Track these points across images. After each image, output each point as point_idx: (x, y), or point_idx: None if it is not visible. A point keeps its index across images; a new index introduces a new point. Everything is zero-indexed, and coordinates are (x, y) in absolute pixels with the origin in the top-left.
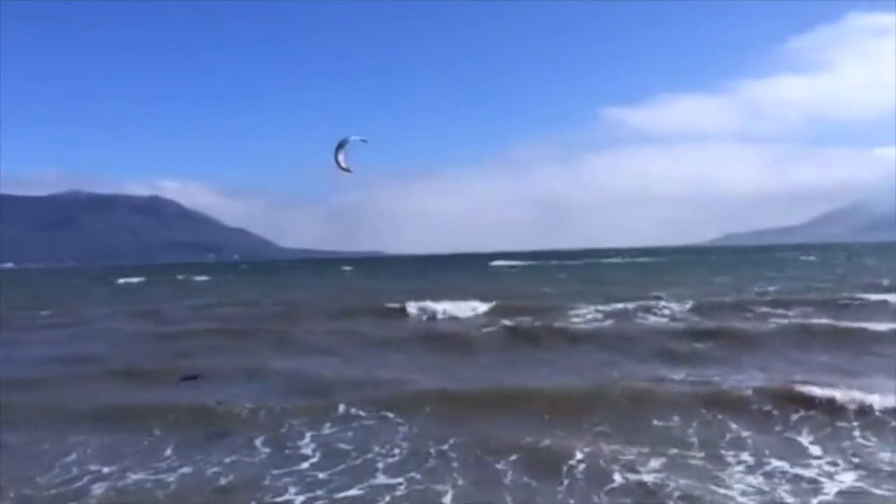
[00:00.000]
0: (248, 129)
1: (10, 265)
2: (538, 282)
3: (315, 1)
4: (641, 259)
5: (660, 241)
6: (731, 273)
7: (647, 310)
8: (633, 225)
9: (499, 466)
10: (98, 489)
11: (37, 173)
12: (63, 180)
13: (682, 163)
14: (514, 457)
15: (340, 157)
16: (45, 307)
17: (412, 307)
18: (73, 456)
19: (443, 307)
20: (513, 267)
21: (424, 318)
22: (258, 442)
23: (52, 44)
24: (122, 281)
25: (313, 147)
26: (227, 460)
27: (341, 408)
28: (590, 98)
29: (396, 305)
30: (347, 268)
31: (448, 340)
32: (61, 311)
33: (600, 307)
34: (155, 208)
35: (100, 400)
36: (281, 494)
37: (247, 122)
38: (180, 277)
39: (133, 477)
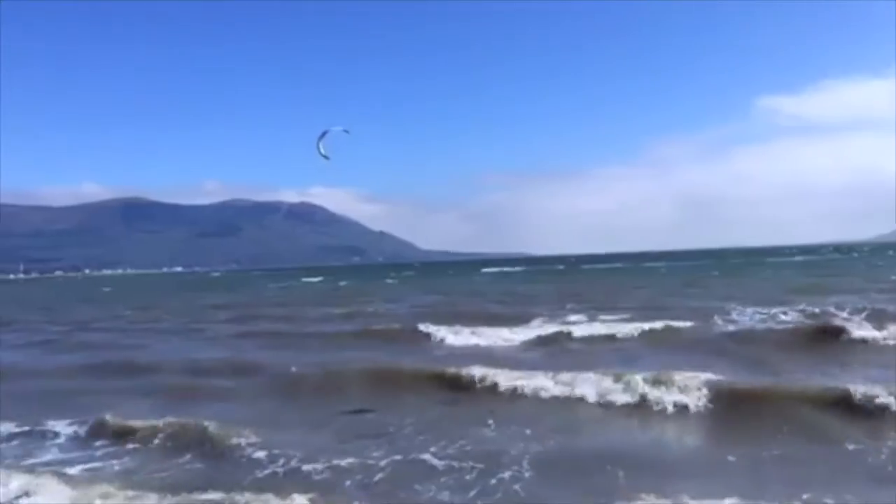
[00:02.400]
0: (389, 135)
1: (179, 269)
2: (701, 289)
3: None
4: (802, 258)
5: (821, 238)
6: None
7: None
8: (790, 221)
9: None
10: None
11: (203, 183)
12: (224, 189)
13: (848, 153)
14: None
15: (321, 145)
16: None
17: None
18: None
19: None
20: (663, 268)
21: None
22: None
23: (213, 67)
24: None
25: (455, 151)
26: None
27: None
28: (743, 89)
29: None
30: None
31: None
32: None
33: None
34: (306, 214)
35: None
36: None
37: (387, 128)
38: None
39: None
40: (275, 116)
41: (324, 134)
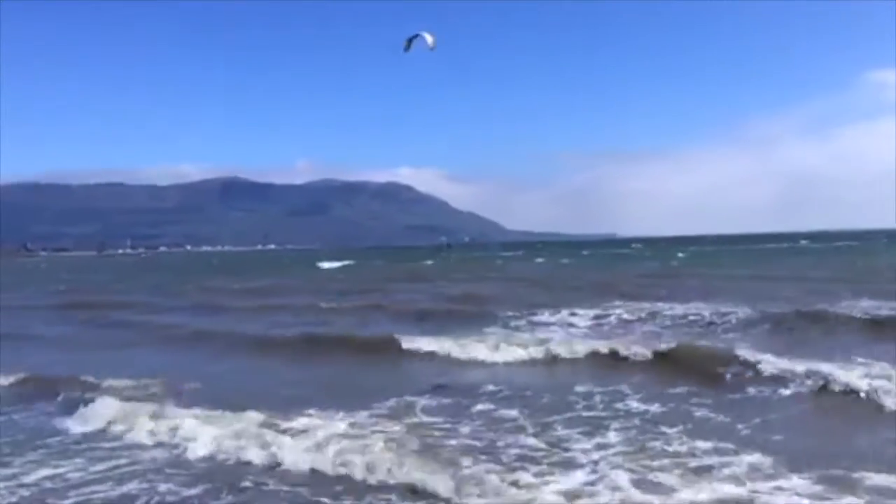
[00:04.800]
0: (475, 115)
1: (273, 246)
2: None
3: None
4: None
5: None
6: None
7: None
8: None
9: None
10: None
11: (294, 163)
12: (315, 169)
13: None
14: None
15: (412, 41)
16: None
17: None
18: None
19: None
20: (763, 250)
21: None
22: None
23: (309, 50)
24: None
25: (542, 131)
26: None
27: None
28: (848, 62)
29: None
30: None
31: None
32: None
33: None
34: (393, 193)
35: None
36: None
37: (475, 108)
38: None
39: None
40: (363, 98)
41: (411, 40)
